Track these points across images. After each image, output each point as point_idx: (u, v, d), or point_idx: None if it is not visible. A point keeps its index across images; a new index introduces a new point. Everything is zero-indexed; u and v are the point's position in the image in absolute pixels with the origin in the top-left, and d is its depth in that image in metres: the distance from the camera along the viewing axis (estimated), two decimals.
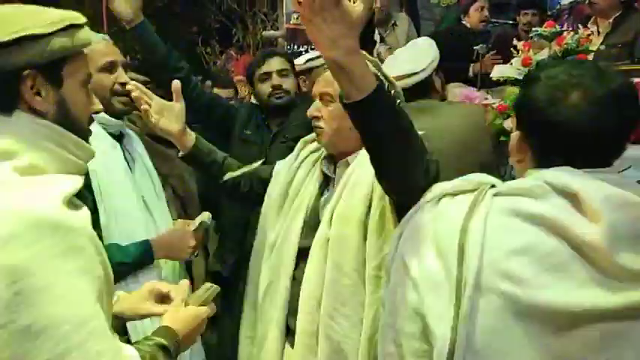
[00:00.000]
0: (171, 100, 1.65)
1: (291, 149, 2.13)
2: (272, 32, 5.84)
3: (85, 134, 1.03)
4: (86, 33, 1.00)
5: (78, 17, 0.99)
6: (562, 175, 0.96)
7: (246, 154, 2.13)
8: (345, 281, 1.42)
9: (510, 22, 3.89)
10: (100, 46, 1.59)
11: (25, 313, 0.79)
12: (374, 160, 1.18)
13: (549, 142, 1.01)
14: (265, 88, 2.23)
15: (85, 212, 0.93)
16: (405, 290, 1.05)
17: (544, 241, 0.93)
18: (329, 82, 1.46)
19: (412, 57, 2.08)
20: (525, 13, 3.85)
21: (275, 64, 2.25)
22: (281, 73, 2.24)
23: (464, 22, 3.86)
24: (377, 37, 3.62)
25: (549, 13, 4.33)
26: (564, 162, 0.98)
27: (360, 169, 1.45)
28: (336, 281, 1.43)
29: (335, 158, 1.58)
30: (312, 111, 1.53)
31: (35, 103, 0.93)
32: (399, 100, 0.99)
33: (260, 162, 1.80)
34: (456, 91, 2.85)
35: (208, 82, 4.96)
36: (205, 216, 1.78)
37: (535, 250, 0.93)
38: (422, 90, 2.05)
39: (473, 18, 3.78)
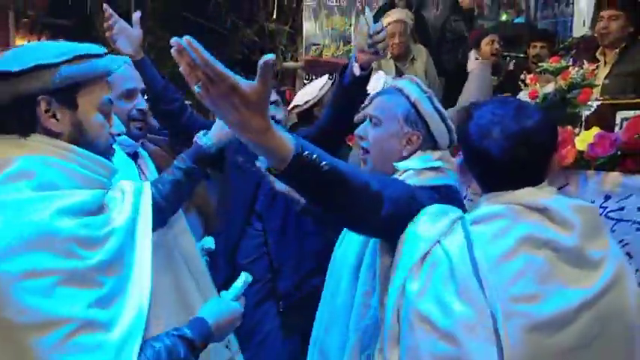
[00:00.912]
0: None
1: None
2: (291, 63, 6.03)
3: (104, 153, 1.13)
4: (104, 62, 1.10)
5: (94, 48, 1.09)
6: (529, 194, 1.15)
7: (240, 180, 2.25)
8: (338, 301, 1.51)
9: (522, 55, 3.95)
10: (120, 71, 1.70)
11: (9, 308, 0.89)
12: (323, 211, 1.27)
13: (482, 169, 1.21)
14: None
15: (102, 220, 1.04)
16: (433, 344, 1.09)
17: (535, 258, 1.09)
18: (378, 106, 1.52)
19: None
20: (535, 45, 3.94)
21: None
22: (272, 104, 2.36)
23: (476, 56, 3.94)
24: (393, 72, 3.69)
25: (561, 45, 4.43)
26: (501, 185, 1.18)
27: None
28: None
29: None
30: (359, 131, 1.56)
31: (50, 125, 1.04)
32: (324, 162, 1.05)
33: None
34: None
35: None
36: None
37: (531, 269, 1.08)
38: None
39: (484, 51, 3.83)
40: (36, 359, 0.89)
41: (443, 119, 1.50)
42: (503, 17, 4.92)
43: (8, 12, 7.73)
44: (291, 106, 3.07)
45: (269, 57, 0.90)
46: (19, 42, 7.99)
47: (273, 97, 2.37)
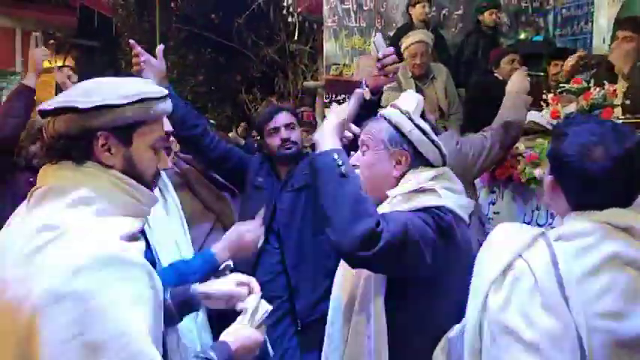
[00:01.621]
0: None
1: (296, 197, 2.26)
2: (312, 82, 6.11)
3: (149, 185, 1.19)
4: (163, 105, 1.17)
5: (155, 91, 1.16)
6: (619, 214, 1.15)
7: (258, 200, 2.31)
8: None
9: (541, 73, 3.94)
10: None
11: (92, 327, 0.95)
12: None
13: (578, 188, 1.20)
14: (275, 141, 2.40)
15: (140, 246, 1.10)
16: (516, 355, 1.11)
17: (621, 276, 1.11)
18: (367, 131, 1.58)
19: None
20: (555, 64, 3.94)
21: (282, 119, 2.42)
22: (288, 126, 2.41)
23: (495, 74, 3.95)
24: (413, 90, 3.72)
25: (581, 62, 4.40)
26: (593, 204, 1.17)
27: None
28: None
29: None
30: (352, 160, 1.60)
31: (104, 158, 1.11)
32: None
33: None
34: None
35: (243, 124, 5.29)
36: None
37: (617, 287, 1.10)
38: None
39: (504, 70, 3.83)
40: None
41: (425, 134, 1.53)
42: (522, 35, 4.92)
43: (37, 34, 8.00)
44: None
45: None
46: (46, 62, 8.24)
47: (289, 119, 2.42)
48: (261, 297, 1.43)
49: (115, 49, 7.40)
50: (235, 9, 6.77)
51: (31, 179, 2.51)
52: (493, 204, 3.06)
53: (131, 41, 2.12)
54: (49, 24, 7.88)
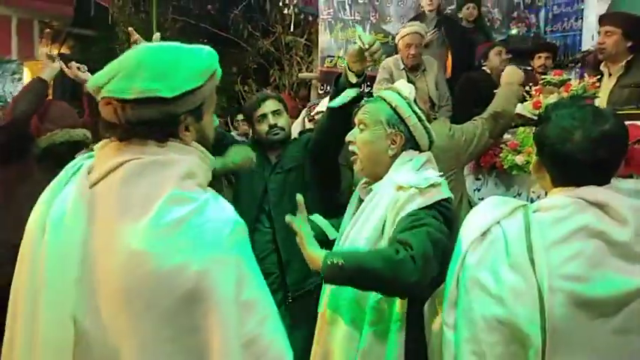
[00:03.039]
0: None
1: (286, 178, 2.36)
2: (307, 74, 6.18)
3: (210, 150, 1.21)
4: (218, 72, 1.17)
5: (216, 57, 1.16)
6: (593, 191, 1.27)
7: (249, 183, 2.43)
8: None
9: (529, 67, 4.03)
10: None
11: (246, 287, 1.03)
12: None
13: (560, 168, 1.33)
14: (263, 127, 2.50)
15: None
16: (484, 306, 1.27)
17: (588, 245, 1.23)
18: (365, 111, 1.70)
19: None
20: (539, 56, 4.04)
21: (269, 106, 2.51)
22: (275, 113, 2.50)
23: (484, 68, 4.04)
24: (405, 81, 3.81)
25: (570, 58, 4.50)
26: (573, 182, 1.29)
27: (379, 196, 1.61)
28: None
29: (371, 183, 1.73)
30: (349, 136, 1.74)
31: (184, 136, 1.12)
32: (342, 262, 1.38)
33: None
34: None
35: (240, 116, 5.37)
36: None
37: (583, 254, 1.22)
38: None
39: (493, 62, 3.93)
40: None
41: (420, 120, 1.68)
42: (514, 31, 5.02)
43: (33, 22, 8.00)
44: (316, 111, 3.20)
45: None
46: (42, 50, 8.24)
47: (276, 106, 2.51)
48: None
49: (111, 38, 7.42)
50: (231, 0, 6.82)
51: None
52: (478, 190, 3.17)
53: (130, 29, 2.19)
54: (45, 12, 7.89)
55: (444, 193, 1.56)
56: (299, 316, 2.24)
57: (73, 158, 1.22)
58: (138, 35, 2.14)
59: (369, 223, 1.60)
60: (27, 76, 7.38)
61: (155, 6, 6.43)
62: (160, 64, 1.07)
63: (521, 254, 1.26)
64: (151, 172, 1.05)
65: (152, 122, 1.07)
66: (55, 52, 8.28)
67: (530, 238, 1.26)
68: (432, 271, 1.39)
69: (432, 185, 1.54)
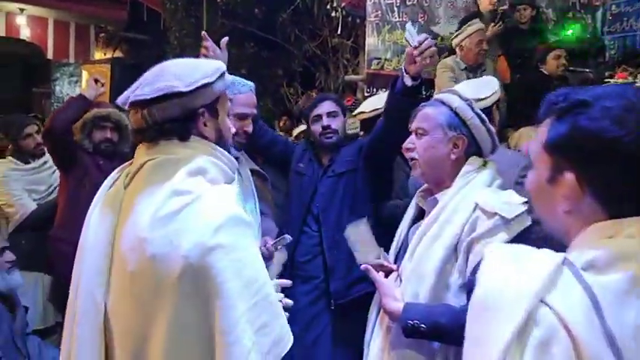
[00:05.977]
0: None
1: (337, 182, 2.34)
2: (353, 76, 6.13)
3: (229, 150, 1.33)
4: (227, 76, 1.30)
5: (224, 65, 1.29)
6: None
7: (299, 185, 2.43)
8: None
9: (587, 70, 3.86)
10: (243, 95, 1.92)
11: (242, 272, 1.11)
12: None
13: (615, 173, 0.80)
14: (317, 127, 2.49)
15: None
16: None
17: None
18: (422, 118, 1.63)
19: (477, 87, 2.13)
20: (599, 62, 3.88)
21: (325, 107, 2.52)
22: (330, 114, 2.48)
23: (542, 70, 3.90)
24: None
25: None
26: (636, 200, 0.79)
27: (452, 212, 1.50)
28: None
29: (431, 191, 1.67)
30: (406, 144, 1.68)
31: (205, 132, 1.25)
32: (422, 325, 1.41)
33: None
34: (531, 133, 2.90)
35: (285, 117, 5.42)
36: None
37: None
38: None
39: (550, 65, 3.81)
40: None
41: (483, 122, 1.59)
42: (569, 32, 4.82)
43: (90, 27, 8.31)
44: (358, 111, 3.17)
45: None
46: (97, 54, 8.56)
47: (332, 107, 2.47)
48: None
49: (163, 42, 7.61)
50: (279, 4, 6.85)
51: (100, 162, 2.84)
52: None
53: (203, 33, 2.23)
54: (100, 18, 8.19)
55: (527, 221, 1.40)
56: (342, 323, 2.20)
57: None
58: (209, 38, 2.16)
59: (441, 240, 1.49)
60: (84, 78, 7.67)
61: (205, 11, 6.54)
62: (176, 69, 1.24)
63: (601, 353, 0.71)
64: (164, 169, 1.19)
65: (174, 119, 1.20)
66: (108, 55, 8.58)
67: (607, 324, 0.71)
68: None
69: (518, 216, 1.40)
